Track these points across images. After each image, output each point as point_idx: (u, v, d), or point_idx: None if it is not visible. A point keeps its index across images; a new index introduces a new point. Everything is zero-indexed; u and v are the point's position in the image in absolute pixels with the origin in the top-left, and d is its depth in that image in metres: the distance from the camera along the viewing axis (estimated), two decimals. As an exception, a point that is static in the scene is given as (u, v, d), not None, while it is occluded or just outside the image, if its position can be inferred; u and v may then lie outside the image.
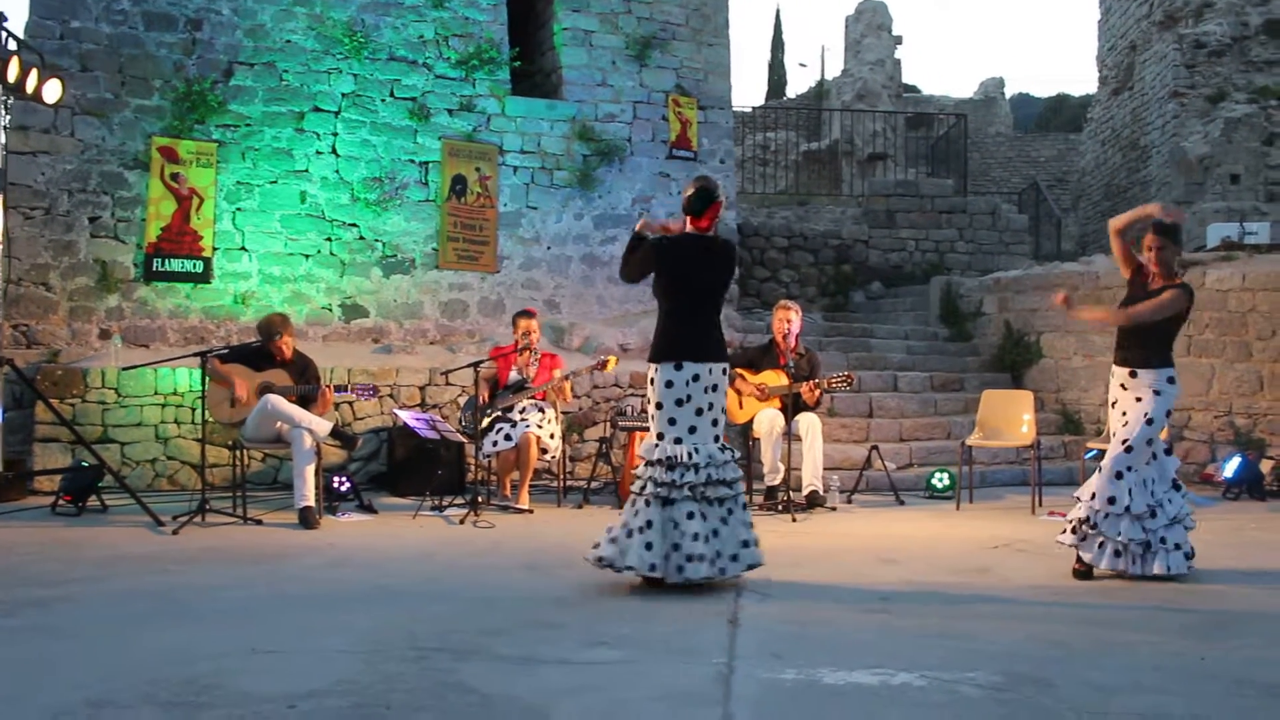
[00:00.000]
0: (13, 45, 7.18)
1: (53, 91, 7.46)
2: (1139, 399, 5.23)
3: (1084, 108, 23.81)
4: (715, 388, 4.86)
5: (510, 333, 8.61)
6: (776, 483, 7.67)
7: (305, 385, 7.10)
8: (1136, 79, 18.02)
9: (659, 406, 4.87)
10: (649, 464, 4.84)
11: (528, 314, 7.99)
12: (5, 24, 7.01)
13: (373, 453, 8.68)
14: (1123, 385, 5.34)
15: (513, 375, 7.84)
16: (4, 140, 7.46)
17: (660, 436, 4.85)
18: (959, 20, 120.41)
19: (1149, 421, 5.18)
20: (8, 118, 8.16)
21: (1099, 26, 19.99)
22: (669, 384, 4.83)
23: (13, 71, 7.05)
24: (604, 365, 7.79)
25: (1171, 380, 5.27)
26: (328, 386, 7.14)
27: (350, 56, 9.87)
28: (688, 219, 5.01)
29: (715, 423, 4.88)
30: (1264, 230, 10.99)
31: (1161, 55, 16.88)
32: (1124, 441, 5.21)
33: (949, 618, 4.37)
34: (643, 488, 4.81)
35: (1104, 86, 19.74)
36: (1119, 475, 5.15)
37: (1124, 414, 5.29)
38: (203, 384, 6.83)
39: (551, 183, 10.77)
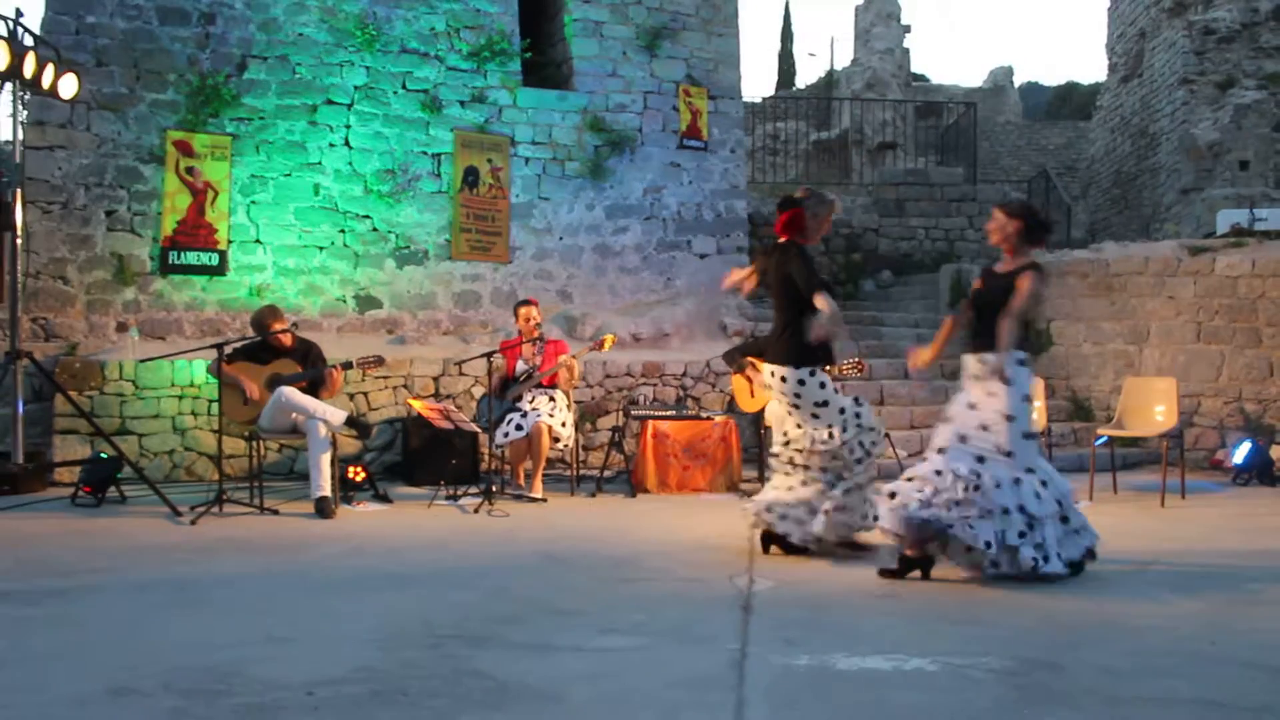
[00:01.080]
0: (29, 41, 7.22)
1: (69, 86, 7.50)
2: (991, 394, 4.80)
3: (1093, 95, 23.70)
4: (769, 388, 5.53)
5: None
6: (788, 471, 7.71)
7: (312, 369, 7.17)
8: (1146, 66, 17.94)
9: None
10: None
11: (527, 302, 8.05)
12: (21, 20, 7.06)
13: (388, 443, 8.74)
14: (975, 376, 4.93)
15: (520, 366, 7.89)
16: (21, 135, 7.50)
17: None
18: (967, 9, 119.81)
19: (1009, 419, 4.77)
20: (25, 113, 8.21)
21: (1108, 14, 19.89)
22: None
23: (29, 67, 7.09)
24: (601, 345, 7.86)
25: (1022, 363, 4.83)
26: (334, 367, 7.19)
27: (362, 49, 9.92)
28: None
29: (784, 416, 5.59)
30: (1274, 216, 10.96)
31: (1171, 42, 16.80)
32: (1001, 449, 4.76)
33: (960, 603, 4.40)
34: None
35: (1113, 74, 19.65)
36: (1017, 481, 4.74)
37: (980, 417, 4.85)
38: (219, 381, 6.88)
39: (563, 173, 10.80)
